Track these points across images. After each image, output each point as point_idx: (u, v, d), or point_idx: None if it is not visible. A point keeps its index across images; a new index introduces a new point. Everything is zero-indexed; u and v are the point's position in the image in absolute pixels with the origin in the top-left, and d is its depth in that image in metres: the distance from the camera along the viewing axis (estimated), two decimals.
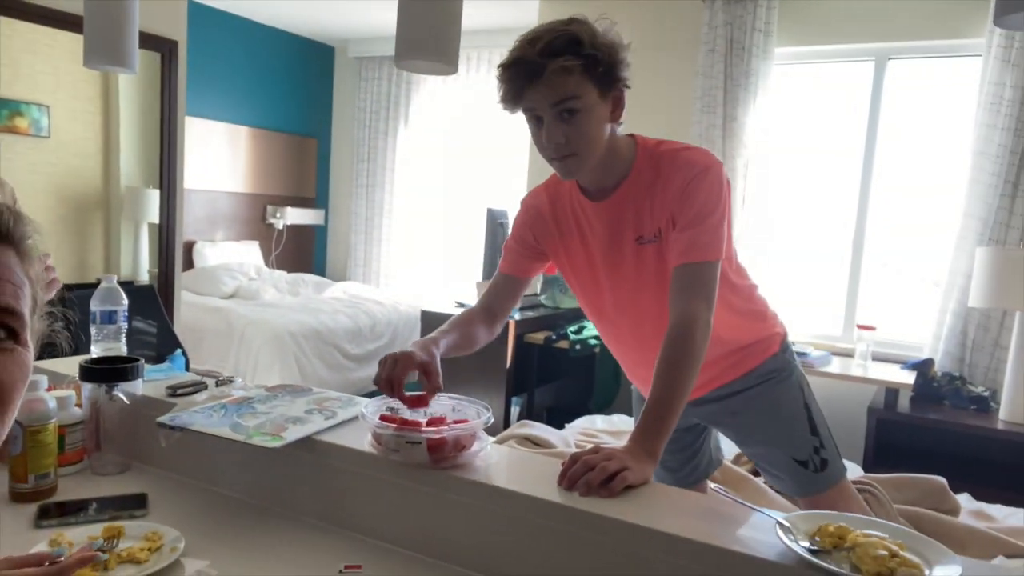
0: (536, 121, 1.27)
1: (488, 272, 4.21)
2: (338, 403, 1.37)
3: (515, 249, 1.50)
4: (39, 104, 3.29)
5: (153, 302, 3.05)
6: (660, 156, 1.34)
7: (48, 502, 1.20)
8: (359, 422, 1.26)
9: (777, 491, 2.25)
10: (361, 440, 1.18)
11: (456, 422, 1.17)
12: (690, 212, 1.29)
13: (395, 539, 1.14)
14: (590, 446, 2.86)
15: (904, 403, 3.27)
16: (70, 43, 3.20)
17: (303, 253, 6.21)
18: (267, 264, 5.75)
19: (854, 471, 2.92)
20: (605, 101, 1.26)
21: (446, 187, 5.88)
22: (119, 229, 3.50)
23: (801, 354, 3.44)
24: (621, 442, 2.96)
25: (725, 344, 1.48)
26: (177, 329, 3.87)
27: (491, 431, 3.17)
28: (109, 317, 1.50)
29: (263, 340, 4.04)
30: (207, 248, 5.30)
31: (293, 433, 1.18)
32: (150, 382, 1.47)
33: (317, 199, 6.34)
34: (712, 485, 1.60)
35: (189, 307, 4.33)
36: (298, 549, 1.12)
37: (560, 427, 3.24)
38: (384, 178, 6.00)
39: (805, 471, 1.52)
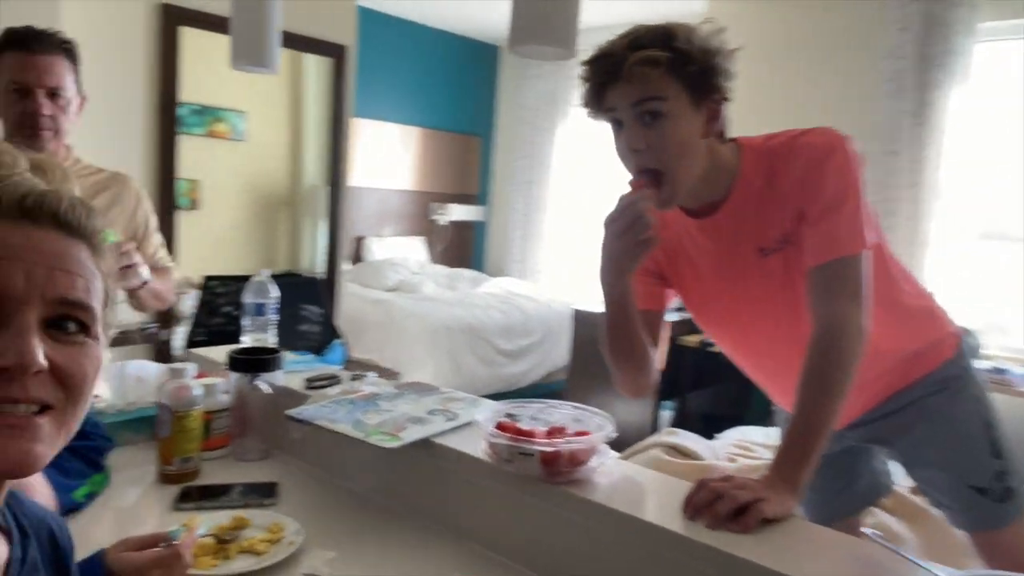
0: (617, 126, 1.12)
1: None
2: (462, 404, 1.34)
3: (639, 280, 1.29)
4: (238, 111, 3.61)
5: (318, 293, 3.24)
6: (771, 152, 1.16)
7: (190, 485, 1.27)
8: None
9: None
10: (478, 445, 1.14)
11: (577, 434, 1.10)
12: (820, 202, 1.10)
13: (506, 551, 1.08)
14: (743, 460, 2.67)
15: None
16: None
17: (464, 249, 6.37)
18: (430, 259, 5.96)
19: None
20: (698, 111, 1.09)
21: (606, 184, 5.77)
22: (301, 225, 3.75)
23: (999, 371, 3.00)
24: None
25: (885, 357, 1.25)
26: (340, 320, 4.10)
27: (636, 436, 3.05)
28: (259, 309, 1.58)
29: (420, 333, 4.17)
30: (375, 243, 5.58)
31: (411, 434, 1.17)
32: (292, 373, 1.53)
33: (479, 196, 6.49)
34: (868, 530, 1.39)
35: (354, 299, 4.58)
36: (409, 553, 1.10)
37: (711, 437, 3.05)
38: (543, 174, 6.00)
39: (983, 500, 1.27)
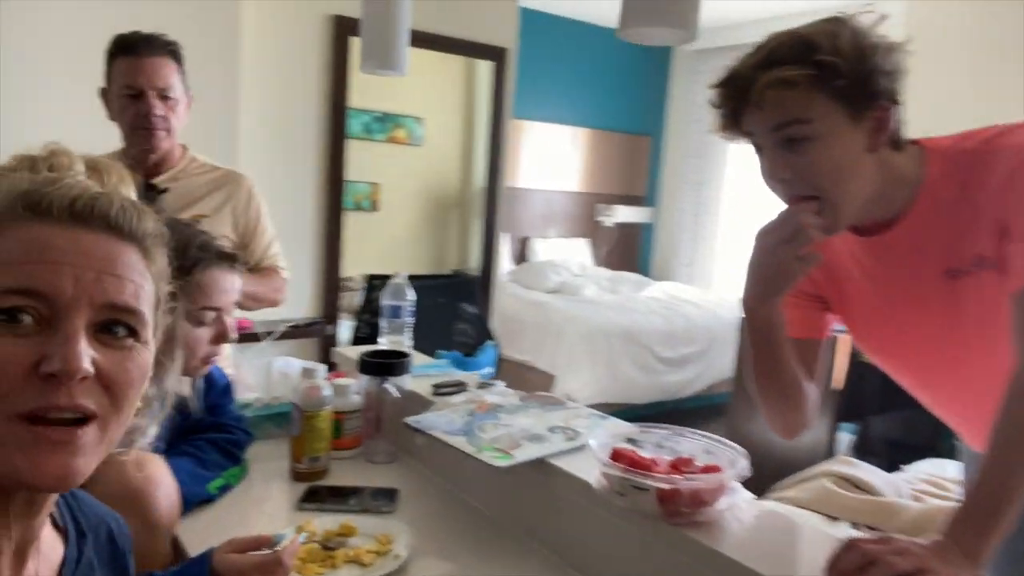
0: (759, 150, 0.97)
1: None
2: (587, 423, 1.26)
3: (794, 303, 1.10)
4: (416, 117, 3.78)
5: (474, 294, 3.28)
6: (966, 156, 0.95)
7: (317, 484, 1.30)
8: None
9: None
10: (594, 471, 1.05)
11: (705, 468, 0.98)
12: None
13: None
14: (932, 501, 2.33)
15: None
16: (441, 62, 3.60)
17: (630, 251, 6.22)
18: (595, 261, 5.87)
19: None
20: (858, 125, 0.91)
21: None
22: (471, 226, 3.84)
23: None
24: None
25: None
26: (499, 320, 4.14)
27: (807, 461, 2.77)
28: (395, 312, 1.59)
29: (577, 336, 4.11)
30: (539, 244, 5.59)
31: (525, 453, 1.10)
32: (421, 377, 1.52)
33: (647, 197, 6.30)
34: None
35: (515, 299, 4.61)
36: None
37: (896, 468, 2.69)
38: (714, 174, 5.71)
39: None
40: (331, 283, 3.08)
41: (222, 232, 1.68)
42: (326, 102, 3.05)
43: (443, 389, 1.44)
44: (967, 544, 0.80)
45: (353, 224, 3.58)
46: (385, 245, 3.77)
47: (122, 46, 1.56)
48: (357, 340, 2.92)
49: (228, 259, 1.13)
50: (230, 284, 1.13)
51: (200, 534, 1.11)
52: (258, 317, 2.75)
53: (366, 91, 3.54)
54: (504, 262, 5.34)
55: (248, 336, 2.64)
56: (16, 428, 0.51)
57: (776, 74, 0.88)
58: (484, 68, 3.59)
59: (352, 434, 1.44)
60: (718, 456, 1.01)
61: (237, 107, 2.51)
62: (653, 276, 6.20)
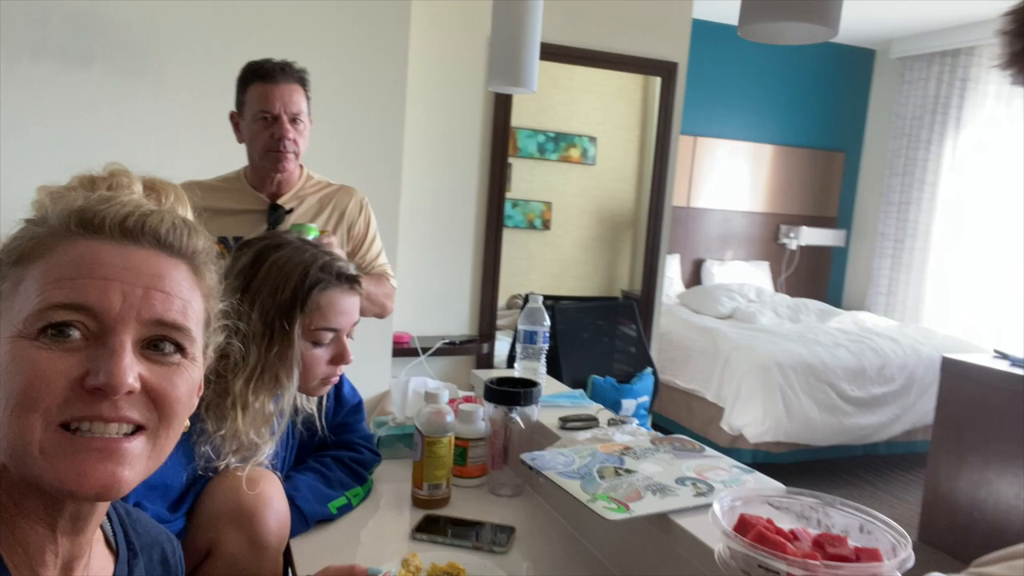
0: None
1: None
2: (726, 475, 1.11)
3: None
4: (589, 136, 3.76)
5: (633, 317, 3.14)
6: None
7: (434, 514, 1.26)
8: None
9: None
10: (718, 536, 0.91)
11: (860, 552, 0.80)
12: None
13: None
14: None
15: None
16: (616, 80, 3.56)
17: (816, 277, 5.73)
18: (775, 287, 5.47)
19: None
20: None
21: (1002, 206, 4.67)
22: (642, 246, 3.74)
23: None
24: None
25: None
26: (666, 346, 3.96)
27: (1015, 523, 2.33)
28: (531, 337, 1.53)
29: (747, 367, 3.81)
30: (715, 267, 5.31)
31: (643, 506, 0.98)
32: (551, 408, 1.44)
33: (839, 218, 5.77)
34: None
35: (683, 324, 4.39)
36: None
37: None
38: (920, 193, 5.10)
39: None
40: (488, 301, 3.10)
41: (336, 245, 1.74)
42: (489, 121, 3.08)
43: (571, 423, 1.35)
44: None
45: (525, 242, 3.61)
46: (556, 264, 3.77)
47: (258, 72, 1.63)
48: (511, 360, 2.91)
49: (349, 281, 1.13)
50: (350, 306, 1.13)
51: (312, 554, 1.11)
52: (415, 332, 2.84)
53: (540, 111, 3.57)
54: (674, 285, 5.13)
55: (405, 351, 2.72)
56: (59, 437, 0.51)
57: None
58: (659, 85, 3.48)
59: (477, 463, 1.39)
60: (877, 538, 0.84)
61: (402, 126, 2.59)
62: (844, 305, 5.66)
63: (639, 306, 3.31)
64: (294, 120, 1.63)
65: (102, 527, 0.64)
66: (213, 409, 1.02)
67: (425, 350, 2.70)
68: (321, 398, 1.26)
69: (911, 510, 3.46)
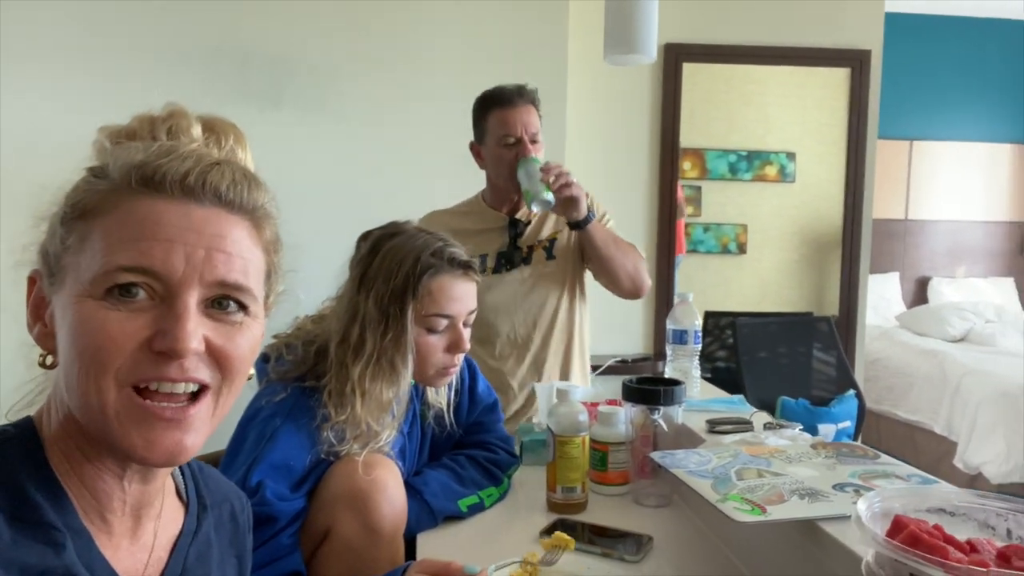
0: None
1: None
2: (897, 483, 0.92)
3: None
4: (787, 152, 3.54)
5: (831, 337, 2.83)
6: None
7: (569, 518, 1.18)
8: None
9: None
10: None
11: None
12: None
13: None
14: None
15: None
16: (816, 90, 3.32)
17: None
18: (1022, 305, 4.68)
19: None
20: None
21: None
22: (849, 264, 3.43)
23: None
24: None
25: None
26: (864, 369, 3.51)
27: None
28: (680, 337, 1.41)
29: (983, 395, 3.25)
30: (944, 285, 4.67)
31: (784, 511, 0.84)
32: (698, 412, 1.30)
33: None
34: None
35: (903, 349, 3.89)
36: None
37: None
38: None
39: None
40: (661, 320, 2.95)
41: (566, 243, 1.73)
42: (656, 139, 2.98)
43: (720, 427, 1.21)
44: None
45: (719, 268, 3.42)
46: (754, 288, 3.53)
47: (497, 99, 1.68)
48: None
49: (461, 266, 1.11)
50: (462, 292, 1.11)
51: (435, 548, 1.08)
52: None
53: (731, 131, 3.39)
54: (892, 306, 4.58)
55: None
56: (132, 402, 0.53)
57: None
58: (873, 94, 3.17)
59: (619, 469, 1.29)
60: None
61: (563, 144, 2.59)
62: None
63: (837, 326, 2.98)
64: (533, 140, 1.67)
65: (174, 478, 0.66)
66: (335, 395, 1.04)
67: (595, 368, 2.62)
68: (451, 394, 1.25)
69: None
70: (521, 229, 1.72)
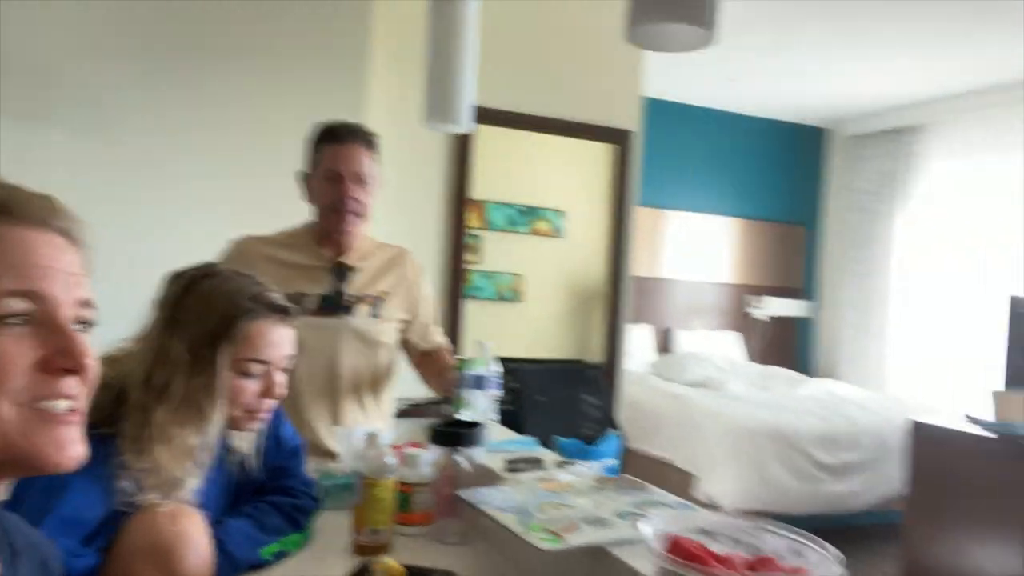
0: None
1: (1012, 377, 3.22)
2: (667, 511, 1.08)
3: None
4: (557, 210, 3.82)
5: (598, 383, 3.14)
6: None
7: (376, 559, 1.21)
8: None
9: None
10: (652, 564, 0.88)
11: (792, 572, 0.79)
12: None
13: None
14: None
15: None
16: (584, 154, 3.64)
17: (785, 346, 5.78)
18: (747, 356, 5.50)
19: None
20: None
21: (957, 274, 4.80)
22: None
23: None
24: None
25: None
26: (623, 412, 3.92)
27: None
28: (479, 382, 1.51)
29: (719, 434, 3.78)
30: (684, 336, 5.34)
31: (579, 537, 0.96)
32: (498, 452, 1.41)
33: (804, 289, 5.88)
34: None
35: (653, 392, 4.38)
36: None
37: None
38: (882, 265, 5.24)
39: None
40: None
41: (395, 308, 1.76)
42: (449, 194, 3.14)
43: (517, 465, 1.32)
44: None
45: (497, 313, 3.58)
46: (528, 335, 3.75)
47: (328, 134, 1.68)
48: None
49: (279, 311, 1.11)
50: (280, 338, 1.11)
51: None
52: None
53: (510, 186, 3.62)
54: (646, 353, 5.13)
55: None
56: (30, 414, 0.55)
57: None
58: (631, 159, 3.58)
59: (421, 509, 1.34)
60: (807, 558, 0.82)
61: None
62: (814, 373, 5.69)
63: (604, 373, 3.31)
64: (359, 180, 1.66)
65: None
66: (134, 442, 0.99)
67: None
68: (257, 438, 1.23)
69: None
70: (347, 276, 1.71)
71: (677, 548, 0.81)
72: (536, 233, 3.79)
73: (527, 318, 3.70)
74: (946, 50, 4.02)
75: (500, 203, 3.61)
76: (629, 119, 3.46)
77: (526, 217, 3.73)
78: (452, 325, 3.14)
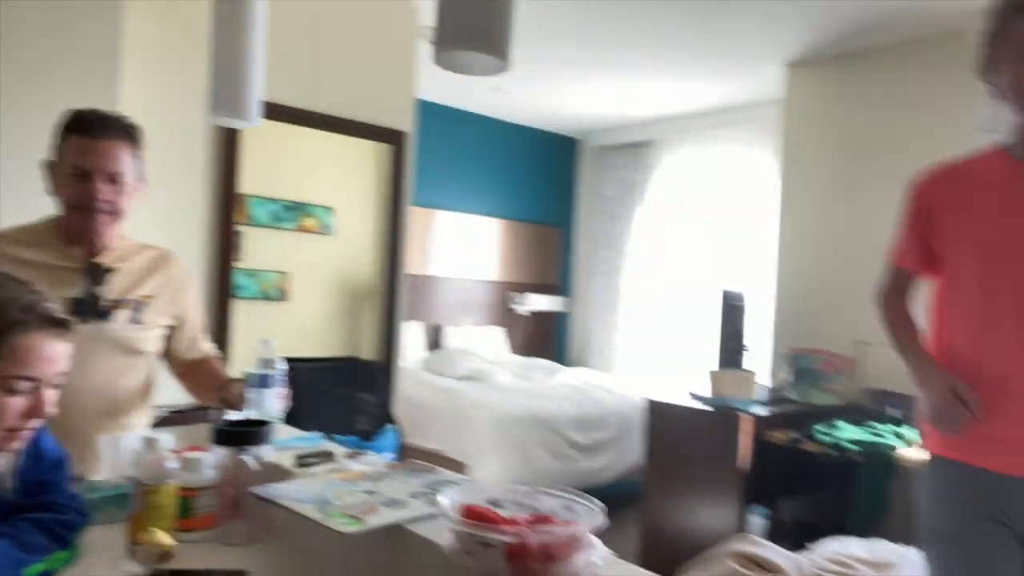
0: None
1: (725, 359, 3.81)
2: (452, 486, 1.18)
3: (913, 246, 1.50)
4: (325, 206, 3.75)
5: (374, 379, 3.19)
6: None
7: (157, 567, 1.16)
8: None
9: None
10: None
11: (567, 524, 0.92)
12: None
13: None
14: None
15: None
16: (352, 151, 3.62)
17: (545, 339, 6.25)
18: (511, 349, 5.86)
19: None
20: None
21: (682, 271, 5.58)
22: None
23: None
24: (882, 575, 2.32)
25: None
26: (400, 407, 4.02)
27: (713, 541, 2.72)
28: (263, 381, 1.50)
29: (486, 423, 4.02)
30: (453, 332, 5.56)
31: (379, 518, 1.02)
32: (286, 450, 1.42)
33: (561, 286, 6.41)
34: None
35: (425, 387, 4.51)
36: None
37: (801, 548, 2.68)
38: (623, 263, 5.89)
39: None
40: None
41: (159, 313, 1.62)
42: (215, 189, 3.00)
43: (307, 460, 1.35)
44: None
45: (262, 313, 3.45)
46: (295, 335, 3.66)
47: (76, 124, 1.49)
48: None
49: (56, 325, 1.03)
50: (54, 353, 1.03)
51: None
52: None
53: (273, 180, 3.51)
54: (417, 350, 5.26)
55: None
56: None
57: None
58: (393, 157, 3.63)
59: (204, 513, 1.31)
60: (577, 512, 0.97)
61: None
62: (569, 364, 6.21)
63: (381, 370, 3.36)
64: (113, 179, 1.49)
65: None
66: None
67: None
68: (16, 457, 1.12)
69: (634, 544, 3.82)
70: (103, 278, 1.57)
71: (471, 514, 0.91)
72: (303, 230, 3.72)
73: (295, 317, 3.63)
74: (671, 80, 4.64)
75: (264, 198, 3.49)
76: (403, 120, 3.54)
77: (293, 213, 3.65)
78: (221, 327, 2.99)
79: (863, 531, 3.12)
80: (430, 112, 4.83)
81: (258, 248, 3.46)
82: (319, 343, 3.72)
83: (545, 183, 6.31)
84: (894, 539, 2.71)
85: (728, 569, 2.30)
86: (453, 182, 5.67)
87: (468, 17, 0.83)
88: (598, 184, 6.17)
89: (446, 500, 0.94)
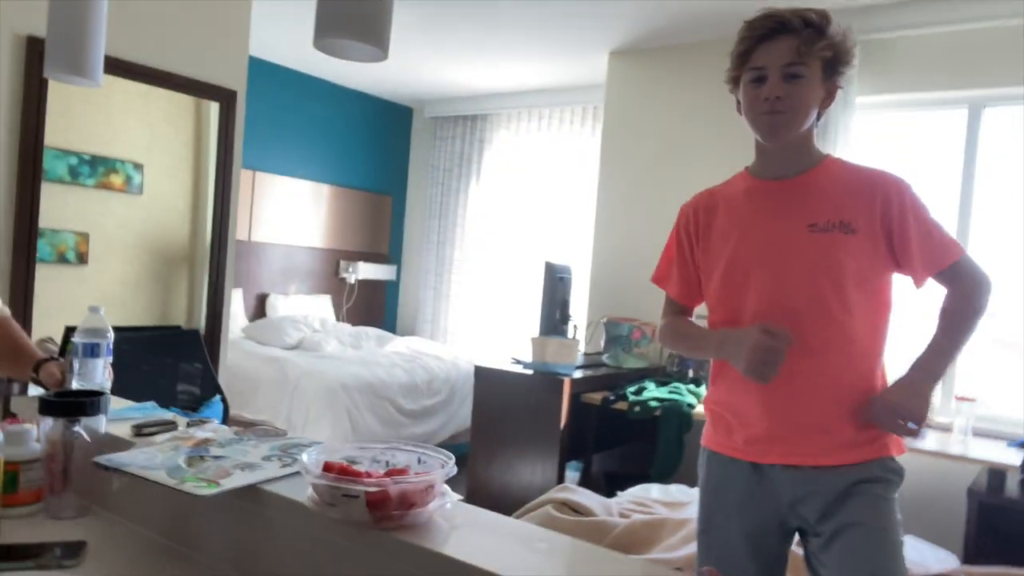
0: (758, 82, 1.39)
1: (546, 327, 4.04)
2: (307, 450, 1.23)
3: (681, 279, 1.62)
4: (134, 162, 3.44)
5: (198, 348, 3.05)
6: (855, 169, 1.45)
7: None
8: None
9: None
10: (306, 491, 1.03)
11: (422, 474, 1.01)
12: None
13: None
14: (637, 516, 2.60)
15: (1012, 486, 2.83)
16: (164, 104, 3.35)
17: (374, 308, 6.24)
18: (338, 318, 5.79)
19: (950, 562, 2.52)
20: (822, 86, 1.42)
21: (510, 243, 5.81)
22: (202, 281, 3.56)
23: None
24: (677, 515, 2.66)
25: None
26: (231, 378, 3.88)
27: (534, 495, 2.94)
28: (92, 350, 1.43)
29: (316, 392, 3.99)
30: (279, 300, 5.38)
31: (234, 480, 1.05)
32: (120, 421, 1.38)
33: (390, 255, 6.40)
34: None
35: (249, 356, 4.37)
36: None
37: (611, 495, 2.98)
38: (454, 234, 6.00)
39: None
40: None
41: None
42: (17, 138, 2.70)
43: (147, 429, 1.32)
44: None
45: (56, 278, 3.14)
46: (96, 301, 3.37)
47: None
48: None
49: None
50: None
51: None
52: None
53: (73, 129, 3.18)
54: (238, 319, 5.05)
55: None
56: None
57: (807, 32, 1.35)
58: (215, 114, 3.43)
59: (31, 487, 1.25)
60: (430, 464, 1.06)
61: None
62: (399, 332, 6.26)
63: (204, 339, 3.22)
64: None
65: None
66: None
67: None
68: None
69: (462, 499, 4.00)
70: None
71: (332, 469, 0.97)
72: (107, 187, 3.42)
73: (97, 282, 3.35)
74: (504, 57, 4.78)
75: (61, 150, 3.16)
76: (235, 79, 3.36)
77: (95, 168, 3.35)
78: (23, 293, 2.72)
79: (663, 478, 3.52)
80: (258, 69, 4.60)
81: (53, 205, 3.13)
82: (124, 311, 3.46)
83: (378, 151, 6.25)
84: (691, 484, 3.10)
85: (547, 514, 2.52)
86: (281, 145, 5.46)
87: (349, 6, 0.86)
88: (431, 154, 6.21)
89: (308, 458, 0.99)
